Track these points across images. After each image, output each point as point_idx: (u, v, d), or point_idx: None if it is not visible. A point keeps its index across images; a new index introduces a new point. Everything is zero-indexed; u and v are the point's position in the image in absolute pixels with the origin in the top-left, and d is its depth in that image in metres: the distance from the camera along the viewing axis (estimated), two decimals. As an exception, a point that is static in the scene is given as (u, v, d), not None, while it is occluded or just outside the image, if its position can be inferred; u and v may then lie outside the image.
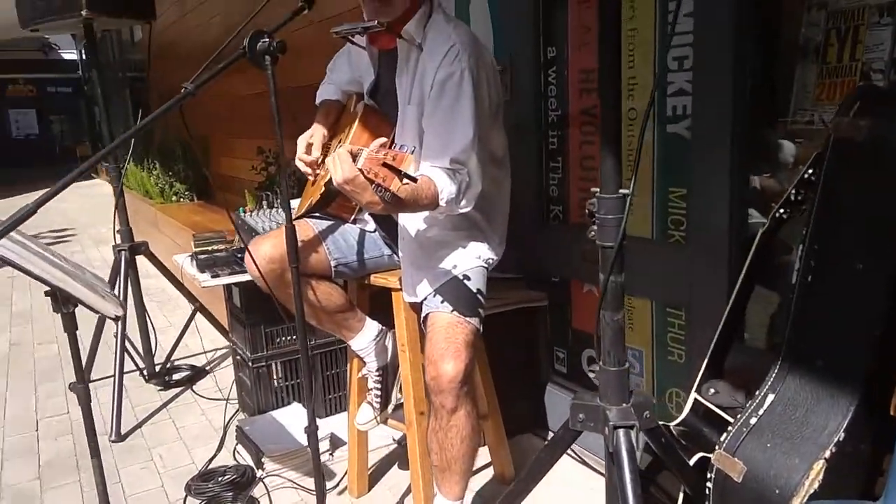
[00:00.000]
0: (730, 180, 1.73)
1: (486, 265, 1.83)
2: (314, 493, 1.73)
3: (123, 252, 2.98)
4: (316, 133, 1.92)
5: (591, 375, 1.25)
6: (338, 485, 2.26)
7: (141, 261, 3.14)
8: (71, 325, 1.71)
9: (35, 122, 19.34)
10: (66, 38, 15.26)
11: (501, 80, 2.41)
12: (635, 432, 1.20)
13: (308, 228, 1.87)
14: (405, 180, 1.31)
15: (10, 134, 19.07)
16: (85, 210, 9.76)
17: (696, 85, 1.80)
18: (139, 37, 8.87)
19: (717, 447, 1.31)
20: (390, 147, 1.49)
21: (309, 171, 1.91)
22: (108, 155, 2.63)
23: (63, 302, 1.64)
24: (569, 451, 2.00)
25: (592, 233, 1.20)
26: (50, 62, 18.13)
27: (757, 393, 1.32)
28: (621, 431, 1.20)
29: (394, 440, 2.50)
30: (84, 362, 3.20)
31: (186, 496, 2.20)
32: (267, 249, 1.78)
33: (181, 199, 5.79)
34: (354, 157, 1.39)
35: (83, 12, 2.58)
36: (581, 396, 1.29)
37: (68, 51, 17.13)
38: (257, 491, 2.24)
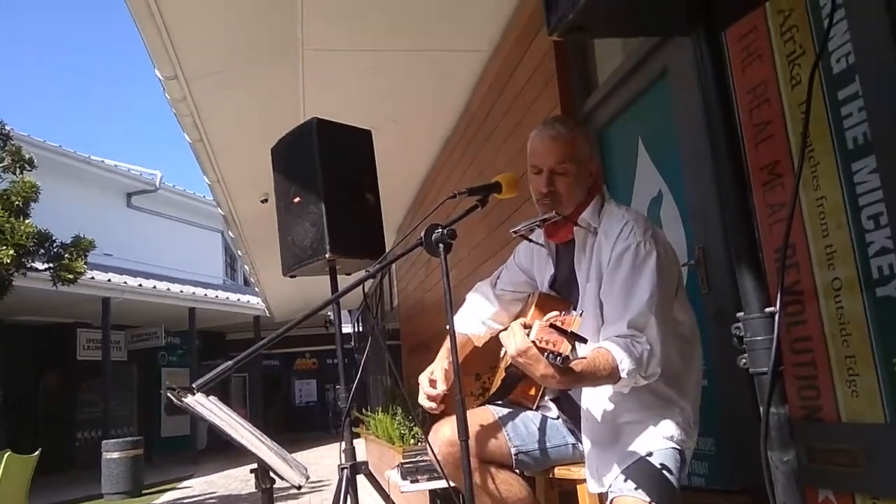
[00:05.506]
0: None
1: (678, 447, 1.66)
2: None
3: (345, 470, 3.16)
4: (436, 368, 1.92)
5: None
6: None
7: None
8: (269, 501, 1.84)
9: (315, 390, 21.96)
10: (344, 314, 17.77)
11: (697, 274, 2.38)
12: None
13: (488, 414, 1.88)
14: (575, 341, 1.30)
15: (294, 402, 21.77)
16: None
17: (900, 239, 1.63)
18: (397, 303, 10.06)
19: None
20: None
21: (433, 405, 1.89)
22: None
23: (262, 477, 1.80)
24: None
25: (744, 361, 1.09)
26: (330, 336, 21.01)
27: None
28: None
29: None
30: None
31: None
32: (447, 432, 1.80)
33: (419, 442, 6.03)
34: (528, 329, 1.40)
35: (327, 255, 3.10)
36: (766, 567, 1.06)
37: (345, 324, 19.81)
38: None
